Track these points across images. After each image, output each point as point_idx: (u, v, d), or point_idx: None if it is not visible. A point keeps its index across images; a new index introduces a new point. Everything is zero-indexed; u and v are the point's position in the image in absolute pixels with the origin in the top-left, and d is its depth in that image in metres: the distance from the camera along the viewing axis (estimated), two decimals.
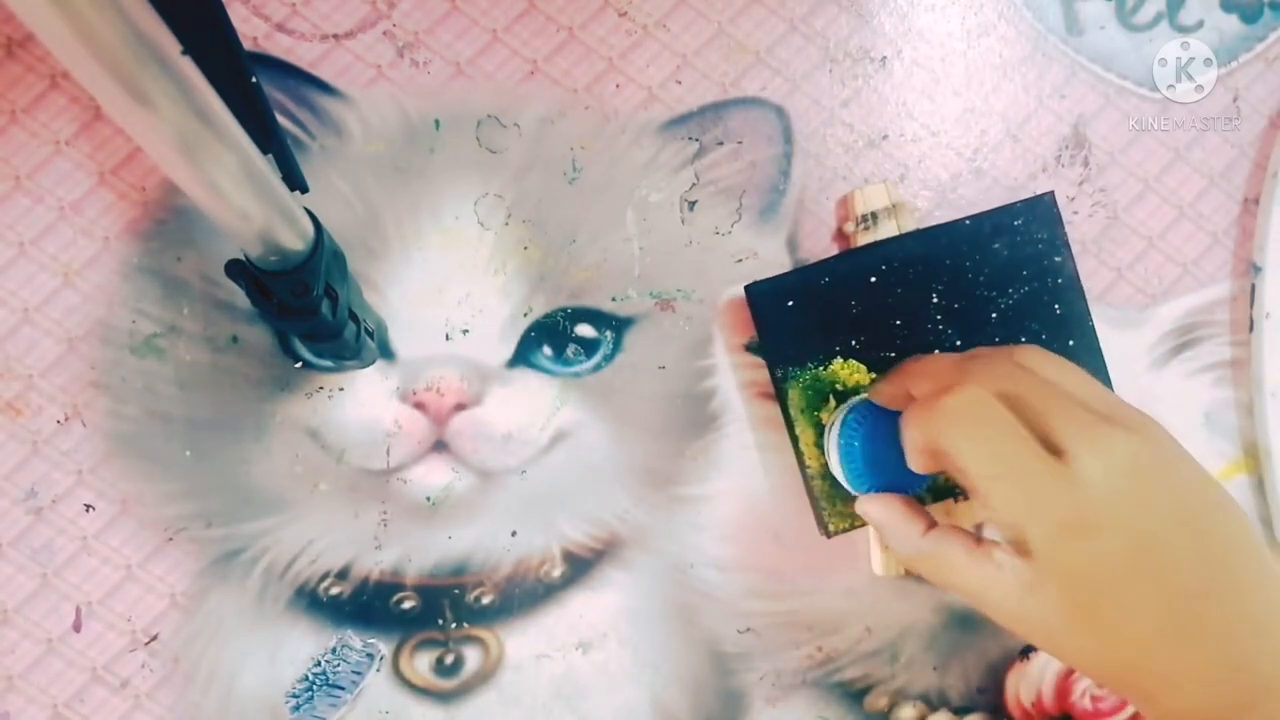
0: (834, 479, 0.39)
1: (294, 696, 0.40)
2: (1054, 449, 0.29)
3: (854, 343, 0.39)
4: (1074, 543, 0.28)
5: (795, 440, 0.39)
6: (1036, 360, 0.32)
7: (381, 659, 0.40)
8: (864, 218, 0.41)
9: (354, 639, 0.40)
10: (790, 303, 0.39)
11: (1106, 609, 0.28)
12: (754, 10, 0.42)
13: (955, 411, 0.30)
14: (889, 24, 0.43)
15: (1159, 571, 0.28)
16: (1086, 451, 0.28)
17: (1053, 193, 0.40)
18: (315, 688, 0.39)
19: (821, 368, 0.39)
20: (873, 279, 0.39)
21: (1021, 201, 0.40)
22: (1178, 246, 0.44)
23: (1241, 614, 0.28)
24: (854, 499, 0.39)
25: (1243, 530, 0.29)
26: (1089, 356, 0.40)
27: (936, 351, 0.39)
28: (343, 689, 0.39)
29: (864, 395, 0.37)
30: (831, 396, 0.39)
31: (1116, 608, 0.28)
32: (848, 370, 0.39)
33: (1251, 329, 0.43)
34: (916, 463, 0.32)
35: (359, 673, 0.39)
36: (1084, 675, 0.41)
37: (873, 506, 0.34)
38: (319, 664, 0.40)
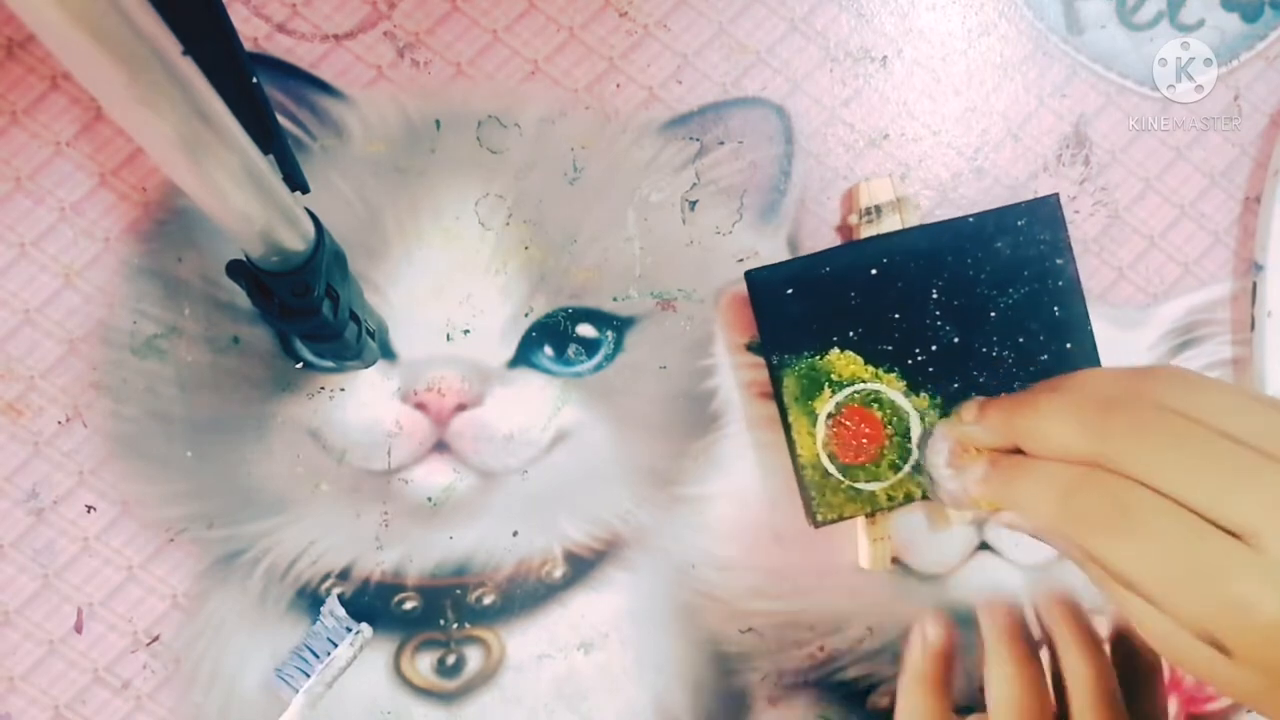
0: (824, 469, 0.38)
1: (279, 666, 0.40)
2: (1231, 528, 0.23)
3: (851, 334, 0.39)
4: None
5: (788, 428, 0.39)
6: (1184, 398, 0.25)
7: (360, 635, 0.39)
8: (868, 210, 0.41)
9: (338, 608, 0.40)
10: (790, 291, 0.39)
11: None
12: (754, 10, 0.42)
13: (1092, 517, 0.25)
14: (889, 23, 0.43)
15: None
16: (1277, 527, 0.22)
17: (1057, 195, 0.40)
18: (292, 652, 0.39)
19: (818, 357, 0.39)
20: (873, 271, 0.39)
21: (1026, 202, 0.40)
22: (1179, 245, 0.44)
23: None
24: (844, 490, 0.39)
25: None
26: (1086, 361, 0.40)
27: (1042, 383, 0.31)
28: (315, 655, 0.39)
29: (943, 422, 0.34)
30: (826, 386, 0.39)
31: None
32: (844, 361, 0.39)
33: (1253, 328, 0.43)
34: (1030, 534, 0.27)
35: (333, 641, 0.39)
36: None
37: (1012, 521, 0.30)
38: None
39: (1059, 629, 0.32)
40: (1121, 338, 0.43)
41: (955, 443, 0.32)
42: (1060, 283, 0.40)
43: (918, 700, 0.33)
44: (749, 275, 0.39)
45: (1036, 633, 0.33)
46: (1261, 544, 0.23)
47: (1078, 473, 0.26)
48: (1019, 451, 0.30)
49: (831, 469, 0.39)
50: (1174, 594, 0.24)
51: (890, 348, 0.39)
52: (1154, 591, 0.24)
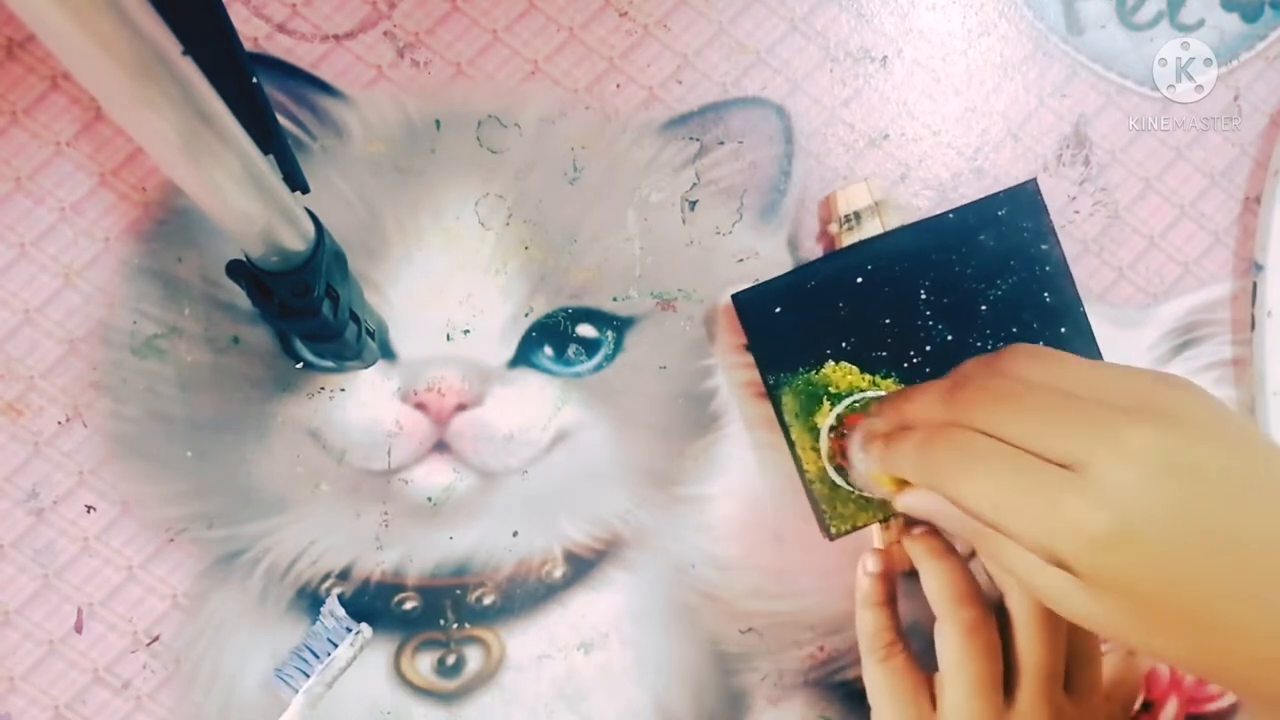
0: (832, 482, 0.38)
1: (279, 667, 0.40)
2: (1061, 460, 0.27)
3: (844, 344, 0.39)
4: (1122, 555, 0.26)
5: (792, 445, 0.39)
6: (1027, 365, 0.30)
7: (360, 635, 0.39)
8: (847, 218, 0.41)
9: (338, 608, 0.40)
10: (778, 309, 0.39)
11: (1181, 606, 0.26)
12: (754, 10, 0.42)
13: (942, 463, 0.29)
14: (889, 23, 0.43)
15: (1229, 552, 0.26)
16: (1103, 459, 0.26)
17: (1035, 180, 0.40)
18: (292, 652, 0.39)
19: (813, 372, 0.39)
20: (859, 279, 0.39)
21: (1004, 191, 0.40)
22: (1179, 245, 0.44)
23: None
24: (854, 500, 0.39)
25: None
26: (1082, 342, 0.40)
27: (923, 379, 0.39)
28: (315, 656, 0.39)
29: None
30: (825, 400, 0.39)
31: (1194, 602, 0.26)
32: (840, 373, 0.39)
33: (1253, 328, 0.43)
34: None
35: (333, 641, 0.39)
36: (1176, 669, 0.40)
37: (916, 499, 0.33)
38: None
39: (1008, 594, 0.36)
40: (1121, 338, 0.43)
41: (864, 432, 0.35)
42: (1048, 268, 0.40)
43: (868, 616, 0.38)
44: (735, 298, 0.39)
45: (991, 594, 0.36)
46: (1088, 472, 0.26)
47: (931, 430, 0.30)
48: None
49: (839, 480, 0.39)
50: (1017, 521, 0.27)
51: (885, 353, 0.39)
52: (1001, 521, 0.27)
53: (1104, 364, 0.30)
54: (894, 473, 0.33)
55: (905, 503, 0.34)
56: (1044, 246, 0.39)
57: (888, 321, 0.39)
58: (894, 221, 0.40)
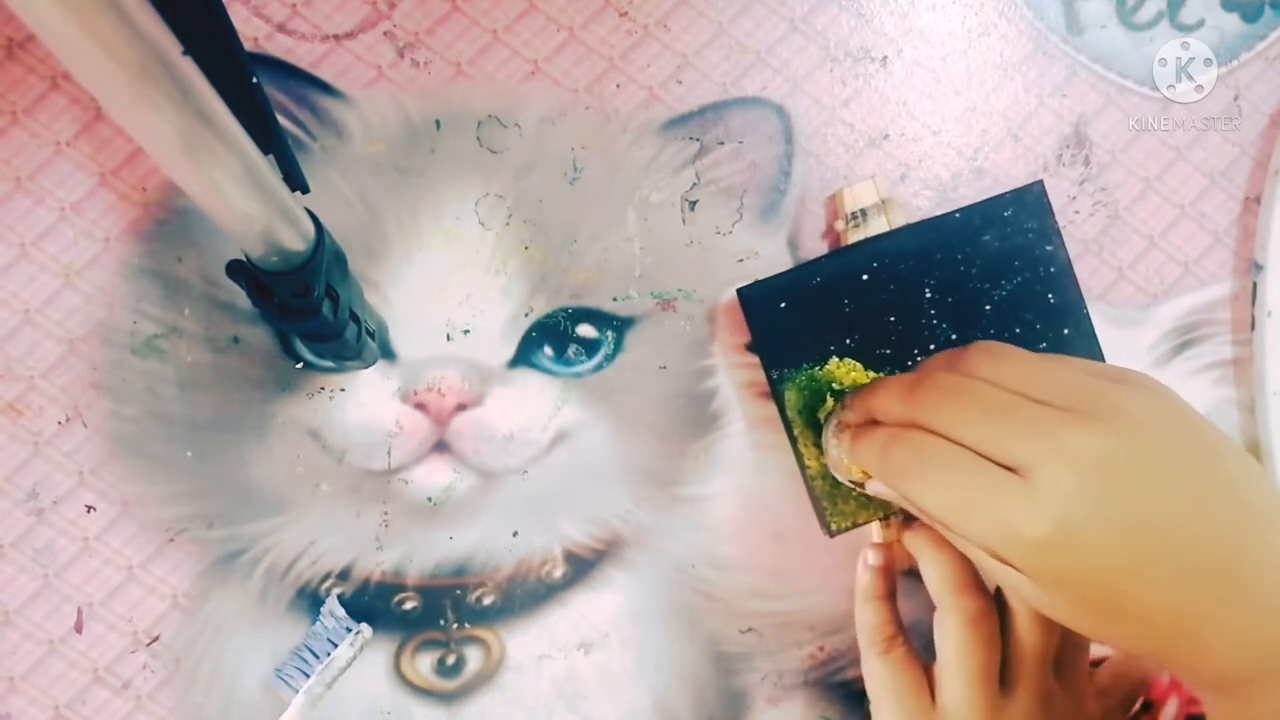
0: (834, 479, 0.38)
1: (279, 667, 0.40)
2: (1008, 463, 0.27)
3: (849, 341, 0.39)
4: (1062, 557, 0.27)
5: (794, 441, 0.39)
6: (983, 363, 0.30)
7: (360, 635, 0.39)
8: (853, 215, 0.41)
9: (338, 608, 0.40)
10: (783, 304, 0.39)
11: (1124, 601, 0.27)
12: (754, 10, 0.42)
13: (898, 464, 0.30)
14: (889, 23, 0.43)
15: (1170, 552, 0.27)
16: (1045, 463, 0.27)
17: (1041, 182, 0.40)
18: (292, 652, 0.39)
19: (817, 368, 0.39)
20: (864, 276, 0.39)
21: (1010, 192, 0.40)
22: (1179, 245, 0.44)
23: (1271, 561, 0.27)
24: (856, 498, 0.39)
25: (1250, 474, 0.28)
26: (1085, 344, 0.40)
27: (895, 371, 0.39)
28: (315, 656, 0.39)
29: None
30: (829, 396, 0.39)
31: (1135, 597, 0.27)
32: (844, 369, 0.39)
33: (1253, 327, 0.43)
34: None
35: (333, 641, 0.39)
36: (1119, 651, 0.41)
37: (882, 490, 0.34)
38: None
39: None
40: (1122, 338, 0.43)
41: (836, 421, 0.36)
42: (1052, 269, 0.40)
43: (869, 610, 0.38)
44: (741, 292, 0.39)
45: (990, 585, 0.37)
46: (1031, 476, 0.27)
47: (892, 430, 0.31)
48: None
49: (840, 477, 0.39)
50: (964, 523, 0.28)
51: (888, 351, 0.39)
52: (951, 523, 0.29)
53: (1059, 361, 0.30)
54: (860, 466, 0.34)
55: (874, 489, 0.35)
56: (1049, 248, 0.40)
57: (892, 319, 0.39)
58: (900, 220, 0.40)
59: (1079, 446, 0.27)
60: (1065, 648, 0.37)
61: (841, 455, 0.35)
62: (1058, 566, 0.27)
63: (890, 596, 0.39)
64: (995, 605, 0.36)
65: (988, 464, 0.28)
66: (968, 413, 0.29)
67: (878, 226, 0.40)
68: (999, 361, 0.30)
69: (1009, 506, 0.27)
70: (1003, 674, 0.36)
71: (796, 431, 0.39)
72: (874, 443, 0.32)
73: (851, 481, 0.36)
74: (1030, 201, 0.39)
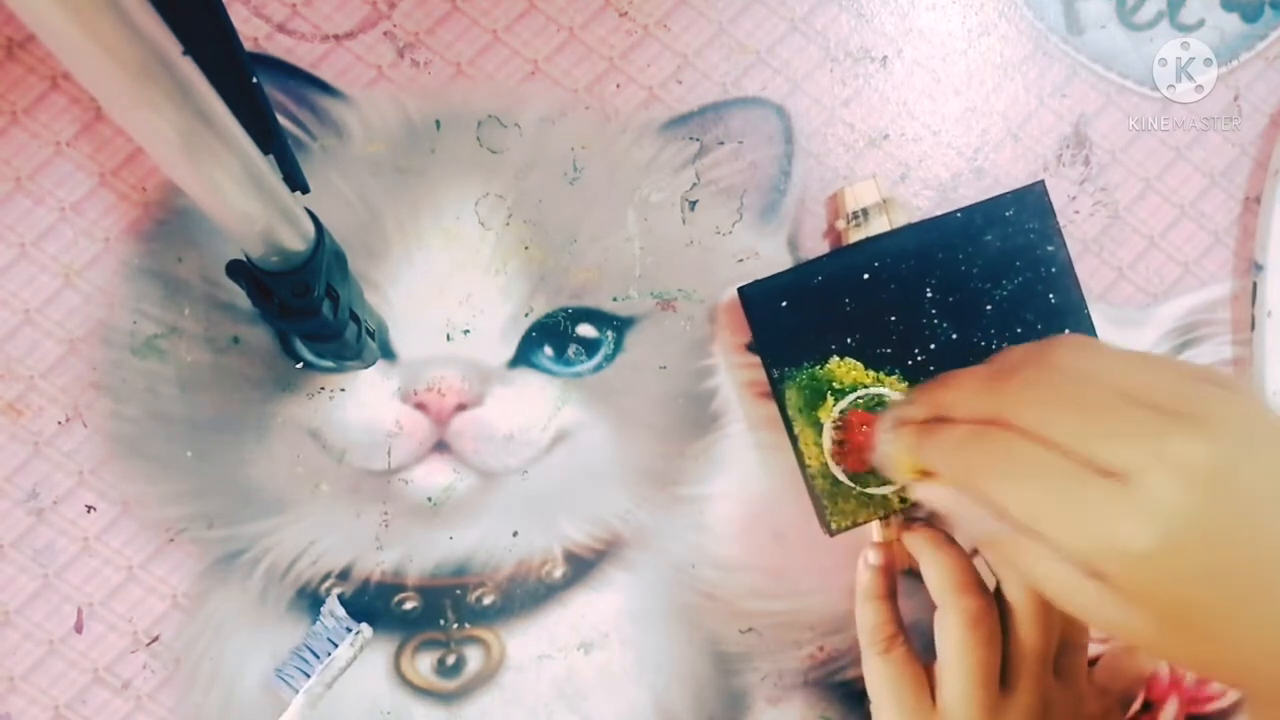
0: (834, 478, 0.39)
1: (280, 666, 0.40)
2: (1109, 469, 0.25)
3: (850, 340, 0.39)
4: (1157, 571, 0.25)
5: (794, 440, 0.39)
6: (1075, 358, 0.28)
7: (360, 635, 0.39)
8: (854, 214, 0.41)
9: (338, 608, 0.40)
10: (784, 303, 0.39)
11: (1212, 620, 0.26)
12: (754, 10, 0.42)
13: (980, 464, 0.28)
14: (889, 23, 0.43)
15: (1268, 570, 0.25)
16: (1149, 470, 0.25)
17: (1043, 182, 0.40)
18: (292, 652, 0.39)
19: (818, 367, 0.39)
20: (865, 276, 0.39)
21: (1011, 192, 0.40)
22: (1179, 245, 0.44)
23: None
24: (856, 497, 0.39)
25: None
26: None
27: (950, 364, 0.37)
28: (315, 656, 0.39)
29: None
30: (829, 395, 0.39)
31: (1225, 617, 0.25)
32: (844, 368, 0.39)
33: (1253, 327, 0.43)
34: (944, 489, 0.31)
35: (333, 641, 0.39)
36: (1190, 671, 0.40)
37: (934, 492, 0.32)
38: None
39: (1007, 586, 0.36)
40: (1122, 338, 0.43)
41: (897, 416, 0.34)
42: (1053, 269, 0.40)
43: (869, 609, 0.38)
44: (742, 291, 0.39)
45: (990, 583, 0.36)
46: (1135, 484, 0.25)
47: (974, 427, 0.29)
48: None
49: (841, 476, 0.39)
50: (1057, 531, 0.26)
51: (889, 350, 0.39)
52: (1041, 529, 0.27)
53: (1152, 359, 0.29)
54: (925, 463, 0.32)
55: (922, 493, 0.33)
56: (1050, 248, 0.40)
57: (893, 319, 0.39)
58: (901, 219, 0.40)
59: (1186, 454, 0.25)
60: (1065, 648, 0.37)
61: (897, 451, 0.33)
62: (1156, 579, 0.25)
63: (890, 596, 0.39)
64: (995, 605, 0.36)
65: (1086, 469, 0.26)
66: (1063, 412, 0.27)
67: (879, 226, 0.40)
68: (1091, 358, 0.28)
69: (1110, 515, 0.25)
70: (1003, 674, 0.36)
71: (797, 430, 0.39)
72: (949, 439, 0.30)
73: (897, 480, 0.34)
74: (1032, 201, 0.40)
